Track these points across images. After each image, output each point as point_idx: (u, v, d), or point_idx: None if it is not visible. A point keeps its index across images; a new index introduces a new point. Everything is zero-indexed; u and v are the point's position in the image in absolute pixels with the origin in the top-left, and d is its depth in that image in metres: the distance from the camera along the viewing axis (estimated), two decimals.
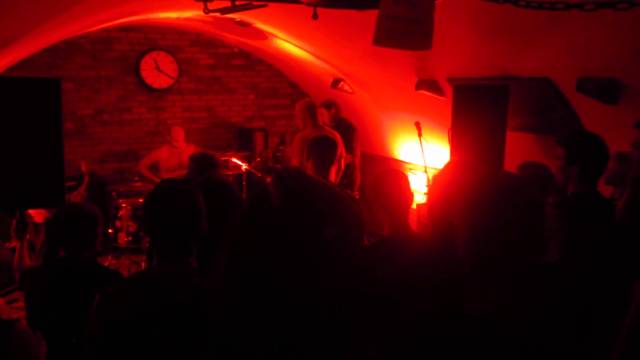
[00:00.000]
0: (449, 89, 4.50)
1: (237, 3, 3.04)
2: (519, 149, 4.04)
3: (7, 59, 4.48)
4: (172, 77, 6.98)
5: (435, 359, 1.32)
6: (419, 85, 4.99)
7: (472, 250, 1.32)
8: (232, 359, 1.49)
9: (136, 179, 6.06)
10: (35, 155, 2.54)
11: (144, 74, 6.82)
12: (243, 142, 7.26)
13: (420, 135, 4.74)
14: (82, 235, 2.47)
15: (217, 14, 3.22)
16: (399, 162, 6.44)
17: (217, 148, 6.87)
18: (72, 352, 2.30)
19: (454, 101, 3.90)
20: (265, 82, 7.68)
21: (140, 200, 5.62)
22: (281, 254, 1.52)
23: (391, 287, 1.89)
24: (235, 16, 5.04)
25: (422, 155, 4.80)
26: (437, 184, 1.85)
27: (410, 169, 6.10)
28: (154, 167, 6.35)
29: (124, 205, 5.66)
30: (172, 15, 5.80)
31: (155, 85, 6.92)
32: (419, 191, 5.55)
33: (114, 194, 6.09)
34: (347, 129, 5.62)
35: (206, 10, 2.94)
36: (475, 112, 3.75)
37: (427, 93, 4.93)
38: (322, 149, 3.30)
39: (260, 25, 5.54)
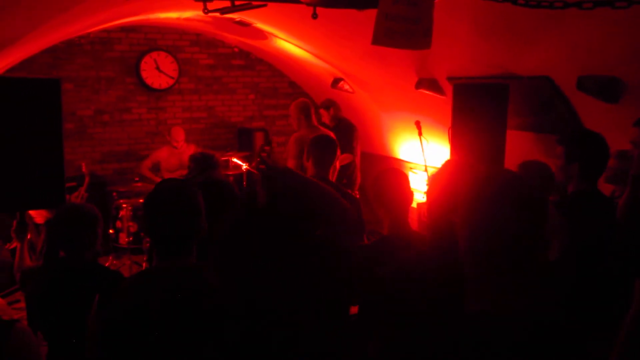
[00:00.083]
0: (449, 88, 4.49)
1: (236, 3, 3.04)
2: (519, 147, 4.04)
3: (7, 59, 4.48)
4: (172, 77, 6.98)
5: (435, 358, 1.32)
6: (419, 85, 4.99)
7: (473, 248, 1.32)
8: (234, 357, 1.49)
9: (136, 179, 6.06)
10: (35, 156, 2.54)
11: (144, 74, 6.82)
12: (243, 142, 7.26)
13: (420, 134, 4.74)
14: (82, 236, 2.47)
15: (217, 14, 3.22)
16: (400, 161, 6.44)
17: (218, 148, 6.87)
18: (73, 353, 2.31)
19: (454, 100, 3.90)
20: (265, 81, 7.68)
21: (141, 200, 5.63)
22: (269, 254, 1.52)
23: (391, 285, 1.88)
24: (235, 16, 5.03)
25: (422, 154, 4.80)
26: (436, 183, 1.84)
27: (411, 168, 6.10)
28: (155, 168, 6.36)
29: (124, 205, 5.66)
30: (172, 15, 5.80)
31: (155, 85, 6.92)
32: (420, 190, 5.55)
33: (114, 194, 6.09)
34: (347, 129, 5.62)
35: (206, 10, 2.94)
36: (476, 111, 3.75)
37: (427, 92, 4.92)
38: (322, 149, 3.31)
39: (260, 25, 5.54)
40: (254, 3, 3.08)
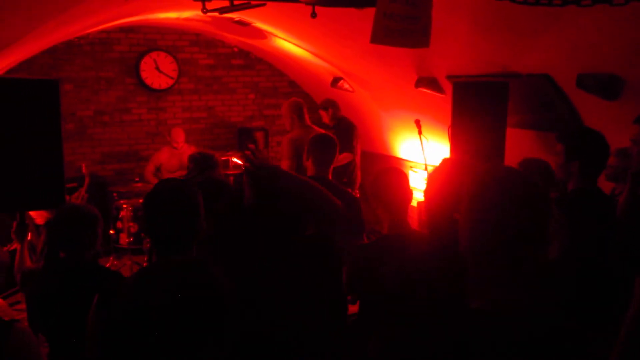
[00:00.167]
0: (448, 87, 4.49)
1: (235, 2, 3.04)
2: (519, 145, 4.04)
3: (7, 60, 4.48)
4: (171, 78, 6.98)
5: (435, 358, 1.32)
6: (419, 83, 4.99)
7: (474, 246, 1.31)
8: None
9: (137, 179, 6.06)
10: (34, 157, 2.54)
11: (143, 74, 6.82)
12: (243, 141, 7.25)
13: (420, 133, 4.74)
14: (82, 236, 2.47)
15: (216, 14, 3.22)
16: (400, 160, 6.44)
17: (218, 148, 6.87)
18: (74, 353, 2.31)
19: (454, 98, 3.90)
20: (265, 81, 7.68)
21: (141, 200, 5.63)
22: (257, 253, 1.51)
23: (391, 284, 1.89)
24: (234, 16, 5.03)
25: (422, 153, 4.80)
26: (433, 181, 1.84)
27: (411, 167, 6.10)
28: (158, 170, 6.36)
29: (125, 206, 5.67)
30: (172, 15, 5.80)
31: (155, 85, 6.91)
32: (420, 189, 5.55)
33: (114, 194, 6.09)
34: (347, 128, 5.61)
35: (204, 10, 2.94)
36: (475, 109, 3.75)
37: (426, 91, 4.92)
38: (321, 148, 3.31)
39: (259, 24, 5.54)
40: (253, 2, 3.08)
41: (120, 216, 5.68)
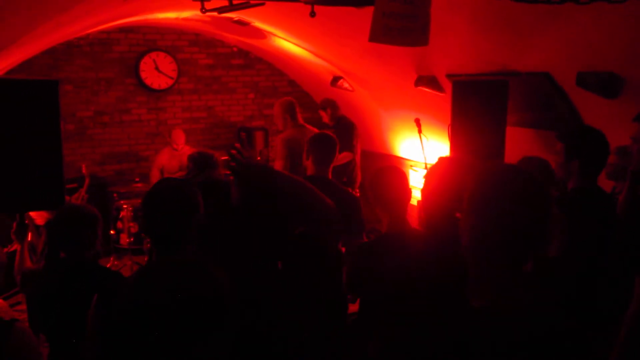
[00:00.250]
0: (448, 85, 4.49)
1: (234, 2, 3.04)
2: (519, 144, 4.03)
3: (7, 61, 4.48)
4: (171, 78, 6.98)
5: (435, 355, 1.32)
6: (419, 82, 4.99)
7: (476, 245, 1.31)
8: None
9: (137, 179, 6.07)
10: (34, 157, 2.54)
11: (143, 74, 6.82)
12: (243, 141, 7.26)
13: (420, 132, 4.73)
14: (82, 236, 2.48)
15: (215, 14, 3.22)
16: (400, 159, 6.44)
17: (218, 148, 6.86)
18: (74, 354, 2.31)
19: (453, 97, 3.89)
20: (265, 80, 7.67)
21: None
22: (247, 252, 1.51)
23: (390, 283, 1.89)
24: (233, 15, 5.03)
25: (422, 152, 4.79)
26: (430, 180, 1.85)
27: (411, 166, 6.10)
28: (162, 174, 6.35)
29: (125, 206, 5.67)
30: (171, 15, 5.80)
31: (155, 85, 6.91)
32: (420, 187, 5.54)
33: (115, 195, 6.09)
34: (347, 127, 5.61)
35: (203, 10, 2.94)
36: (475, 108, 3.74)
37: (426, 89, 4.92)
38: (321, 147, 3.31)
39: (258, 24, 5.54)
40: (252, 2, 3.07)
41: (120, 216, 5.69)
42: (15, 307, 3.74)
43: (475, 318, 1.27)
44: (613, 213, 2.53)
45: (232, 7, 3.07)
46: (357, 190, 5.47)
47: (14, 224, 2.77)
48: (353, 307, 2.55)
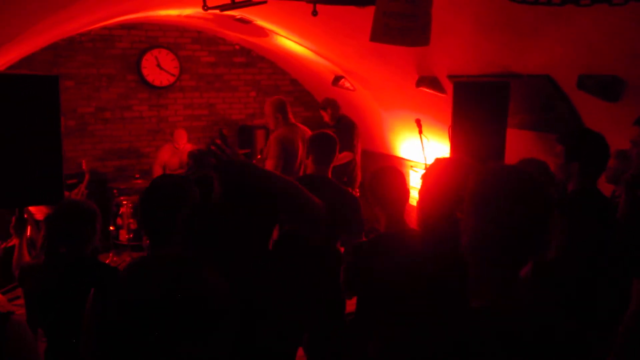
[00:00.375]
0: (449, 86, 4.49)
1: (236, 0, 3.04)
2: (520, 146, 4.03)
3: (8, 56, 4.48)
4: (173, 75, 6.98)
5: (435, 355, 1.32)
6: (420, 83, 4.99)
7: (476, 245, 1.31)
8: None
9: (137, 176, 6.06)
10: (34, 152, 2.54)
11: (145, 71, 6.82)
12: (244, 139, 7.26)
13: (420, 132, 4.74)
14: (81, 231, 2.47)
15: (217, 11, 3.22)
16: (400, 160, 6.44)
17: None
18: (72, 349, 2.31)
19: (454, 98, 3.89)
20: (267, 79, 7.67)
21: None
22: (219, 248, 1.50)
23: (389, 283, 1.88)
24: (236, 13, 5.03)
25: (422, 153, 4.79)
26: (426, 180, 1.85)
27: (411, 166, 6.10)
28: (164, 171, 6.35)
29: (125, 202, 5.67)
30: (173, 12, 5.80)
31: (157, 82, 6.91)
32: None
33: (115, 191, 6.09)
34: (347, 127, 5.61)
35: (205, 7, 2.94)
36: (476, 109, 3.74)
37: (427, 90, 4.92)
38: (321, 146, 3.31)
39: (260, 22, 5.54)
40: (254, 0, 3.07)
41: (120, 212, 5.69)
42: (13, 301, 3.74)
43: (475, 318, 1.27)
44: (613, 215, 2.53)
45: (234, 5, 3.07)
46: (357, 190, 5.47)
47: (13, 219, 2.77)
48: (351, 308, 2.56)
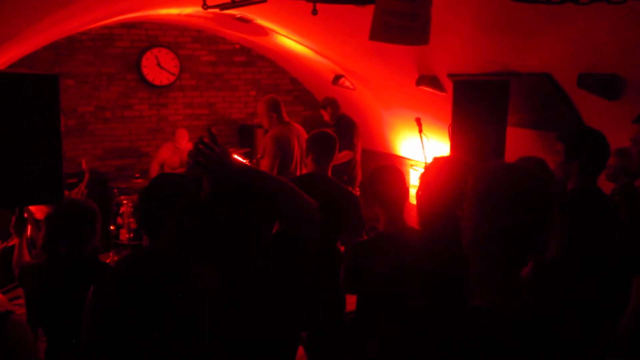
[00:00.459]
0: (449, 85, 4.48)
1: None
2: (520, 144, 4.03)
3: (8, 55, 4.48)
4: (173, 74, 6.97)
5: (435, 355, 1.32)
6: (420, 81, 4.98)
7: (477, 244, 1.31)
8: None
9: (137, 175, 6.06)
10: (33, 151, 2.54)
11: (145, 70, 6.81)
12: (244, 138, 7.26)
13: (420, 131, 4.73)
14: (81, 231, 2.48)
15: (217, 10, 3.21)
16: (400, 158, 6.43)
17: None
18: (73, 348, 2.31)
19: (454, 97, 3.89)
20: (267, 78, 7.67)
21: None
22: (206, 247, 1.50)
23: (388, 282, 1.89)
24: (236, 12, 5.03)
25: (422, 151, 4.79)
26: (424, 179, 1.85)
27: (412, 165, 6.10)
28: (162, 168, 6.36)
29: (125, 202, 5.67)
30: (173, 11, 5.79)
31: (157, 81, 6.91)
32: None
33: (115, 190, 6.09)
34: (347, 125, 5.61)
35: (205, 6, 2.94)
36: (476, 107, 3.74)
37: (427, 89, 4.92)
38: (321, 145, 3.31)
39: (260, 21, 5.54)
40: None
41: (120, 212, 5.68)
42: (14, 301, 3.74)
43: (475, 317, 1.27)
44: (613, 213, 2.53)
45: (234, 4, 3.07)
46: (357, 189, 5.46)
47: (13, 218, 2.77)
48: (351, 307, 2.56)
